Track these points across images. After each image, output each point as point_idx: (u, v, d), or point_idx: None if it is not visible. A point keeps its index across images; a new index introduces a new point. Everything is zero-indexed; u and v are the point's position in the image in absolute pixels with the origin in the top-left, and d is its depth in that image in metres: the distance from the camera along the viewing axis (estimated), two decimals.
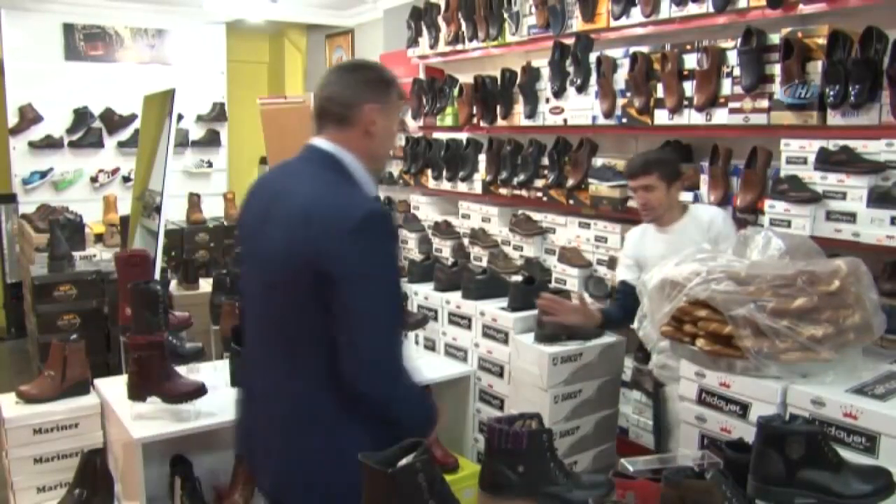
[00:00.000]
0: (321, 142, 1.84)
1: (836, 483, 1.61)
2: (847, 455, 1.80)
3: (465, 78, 4.93)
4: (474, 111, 4.79)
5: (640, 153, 3.06)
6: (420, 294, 3.96)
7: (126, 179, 7.03)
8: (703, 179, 3.42)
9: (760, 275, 2.23)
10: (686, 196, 3.48)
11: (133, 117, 7.00)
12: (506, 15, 4.56)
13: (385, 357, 1.73)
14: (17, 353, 6.41)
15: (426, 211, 5.45)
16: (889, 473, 1.69)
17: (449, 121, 5.10)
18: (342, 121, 1.82)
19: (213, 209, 6.95)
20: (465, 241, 4.85)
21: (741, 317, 2.18)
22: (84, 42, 7.05)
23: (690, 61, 3.44)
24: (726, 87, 3.30)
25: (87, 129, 7.03)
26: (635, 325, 2.74)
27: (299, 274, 1.69)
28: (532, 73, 4.33)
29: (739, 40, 3.18)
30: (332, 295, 1.66)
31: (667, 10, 3.55)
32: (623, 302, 3.06)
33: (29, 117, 6.83)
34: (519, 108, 4.44)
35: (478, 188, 4.82)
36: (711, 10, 3.34)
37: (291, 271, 1.71)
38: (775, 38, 3.10)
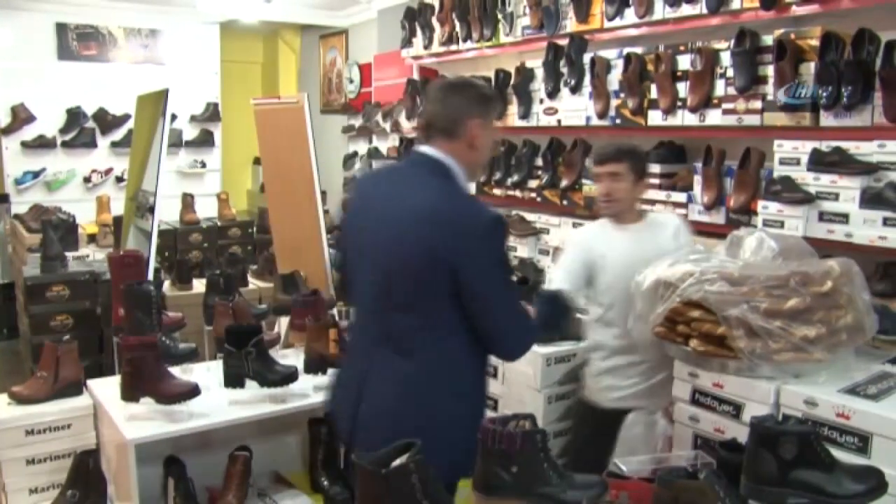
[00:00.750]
0: (429, 150, 2.07)
1: (828, 483, 1.62)
2: (840, 455, 1.81)
3: None
4: None
5: (614, 142, 2.96)
6: None
7: (119, 180, 7.01)
8: (697, 180, 3.43)
9: (753, 275, 2.24)
10: (679, 197, 3.49)
11: (126, 117, 6.97)
12: (500, 16, 4.56)
13: (517, 327, 2.11)
14: (10, 353, 6.38)
15: None
16: (881, 473, 1.70)
17: None
18: (450, 134, 2.06)
19: (206, 209, 6.93)
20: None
21: (734, 317, 2.19)
22: (77, 42, 7.03)
23: (684, 62, 3.45)
24: (720, 88, 3.31)
25: (81, 129, 7.00)
26: (629, 326, 2.74)
27: (431, 268, 1.96)
28: (526, 74, 4.33)
29: (733, 41, 3.19)
30: (465, 285, 1.97)
31: (660, 11, 3.56)
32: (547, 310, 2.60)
33: (21, 117, 6.80)
34: (513, 108, 4.44)
35: (472, 188, 4.81)
36: (705, 11, 3.35)
37: (421, 264, 1.97)
38: (768, 40, 3.11)
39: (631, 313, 2.65)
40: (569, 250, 3.01)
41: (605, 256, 2.82)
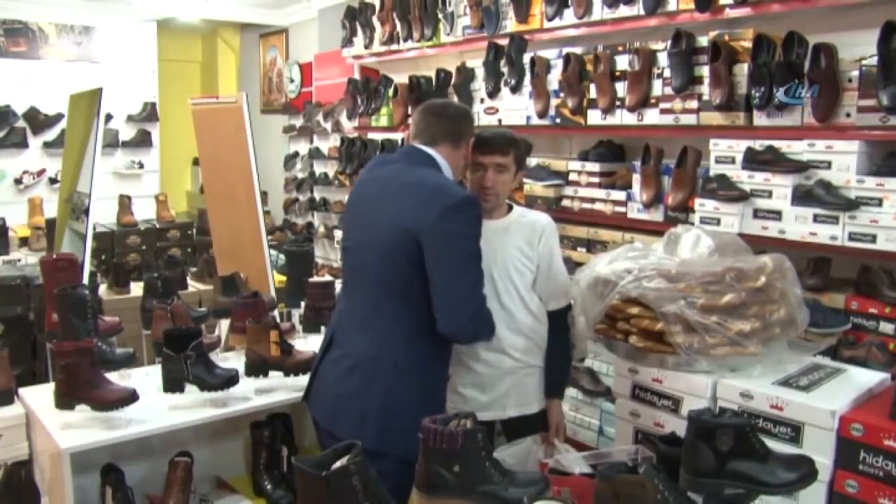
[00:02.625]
0: (426, 147, 2.35)
1: (763, 473, 1.66)
2: (774, 445, 1.85)
3: (400, 78, 4.92)
4: (409, 111, 4.78)
5: (497, 128, 2.87)
6: None
7: (53, 181, 6.81)
8: (636, 179, 3.48)
9: (690, 272, 2.28)
10: (618, 195, 3.54)
11: (59, 117, 6.77)
12: (440, 15, 4.57)
13: (475, 306, 2.23)
14: None
15: None
16: (812, 461, 1.74)
17: (384, 121, 5.09)
18: (455, 142, 2.38)
19: (144, 211, 6.79)
20: None
21: (672, 313, 2.23)
22: (4, 37, 6.81)
23: (622, 62, 3.50)
24: (657, 88, 3.37)
25: (10, 129, 6.78)
26: (569, 323, 2.76)
27: (400, 241, 2.16)
28: (467, 74, 4.34)
29: (669, 42, 3.25)
30: (429, 257, 2.14)
31: (599, 11, 3.61)
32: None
33: None
34: None
35: None
36: (642, 12, 3.40)
37: (397, 239, 2.17)
38: (704, 41, 3.18)
39: (570, 311, 2.67)
40: None
41: None
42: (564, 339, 2.68)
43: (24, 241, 5.89)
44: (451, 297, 2.17)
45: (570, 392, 3.70)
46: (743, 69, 3.03)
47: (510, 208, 2.69)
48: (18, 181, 6.86)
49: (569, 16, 3.76)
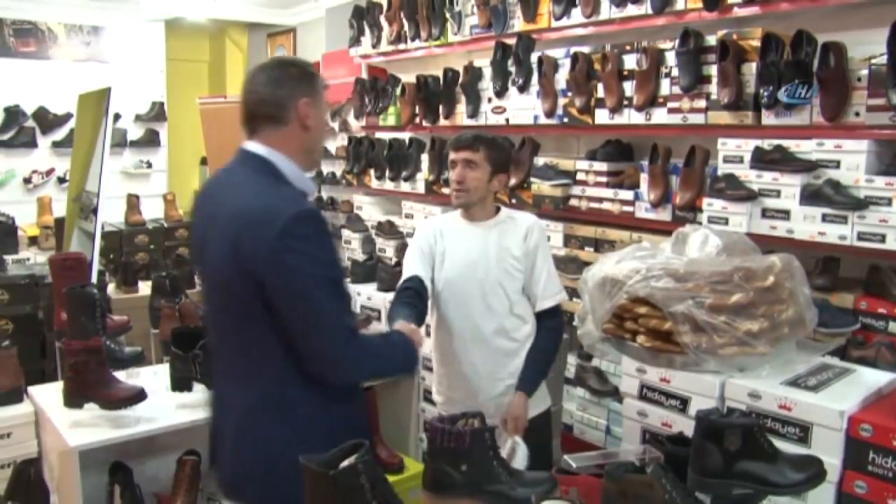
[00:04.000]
0: (254, 145, 1.88)
1: (771, 473, 1.65)
2: (782, 445, 1.85)
3: (408, 77, 4.92)
4: (417, 111, 4.79)
5: (475, 130, 2.80)
6: (363, 294, 3.94)
7: (61, 180, 6.84)
8: (643, 178, 3.47)
9: (698, 272, 2.28)
10: (626, 195, 3.53)
11: (68, 116, 6.80)
12: (448, 15, 4.57)
13: (341, 349, 1.80)
14: None
15: (369, 211, 5.43)
16: (820, 462, 1.74)
17: (391, 120, 5.09)
18: (278, 121, 1.86)
19: (152, 210, 6.82)
20: (409, 240, 4.83)
21: (680, 313, 2.23)
22: (14, 38, 6.84)
23: (630, 62, 3.49)
24: (665, 87, 3.36)
25: (20, 129, 6.81)
26: (576, 323, 2.76)
27: (239, 279, 1.76)
28: (474, 73, 4.34)
29: (677, 41, 3.24)
30: (272, 295, 1.75)
31: (607, 11, 3.60)
32: (413, 300, 2.57)
33: None
34: (461, 107, 4.45)
35: (421, 188, 4.82)
36: (650, 11, 3.39)
37: (231, 276, 1.78)
38: (712, 40, 3.17)
39: (577, 310, 2.68)
40: (415, 239, 2.80)
41: (447, 251, 2.69)
42: (549, 338, 2.69)
43: (33, 241, 5.92)
44: (318, 338, 1.77)
45: (578, 391, 3.70)
46: (751, 68, 3.02)
47: (498, 210, 2.75)
48: (27, 181, 6.89)
49: (576, 15, 3.76)
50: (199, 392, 2.65)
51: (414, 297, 2.57)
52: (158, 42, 7.54)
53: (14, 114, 6.80)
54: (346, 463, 1.41)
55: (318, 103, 1.91)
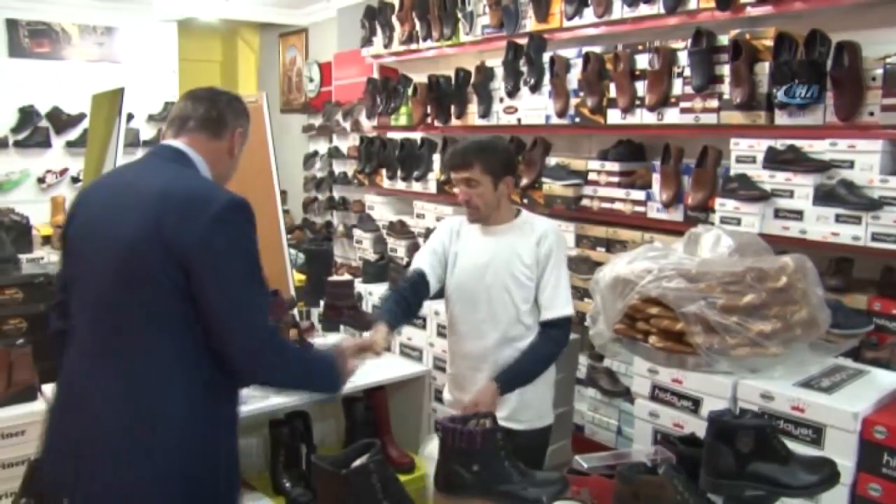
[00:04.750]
0: (176, 142, 1.89)
1: (784, 475, 1.64)
2: (795, 447, 1.84)
3: (420, 77, 4.92)
4: (428, 111, 4.79)
5: (467, 140, 2.59)
6: (374, 294, 3.95)
7: (75, 180, 6.87)
8: (655, 178, 3.46)
9: (710, 272, 2.27)
10: (638, 195, 3.52)
11: (82, 116, 6.83)
12: (460, 15, 4.57)
13: (262, 336, 1.75)
14: None
15: (381, 211, 5.44)
16: (833, 464, 1.73)
17: (403, 120, 5.10)
18: (214, 133, 1.91)
19: None
20: (420, 240, 4.84)
21: (692, 313, 2.22)
22: (29, 38, 6.87)
23: (642, 61, 3.48)
24: (677, 87, 3.35)
25: (34, 129, 6.84)
26: (587, 323, 2.75)
27: (157, 259, 1.67)
28: (486, 73, 4.34)
29: (690, 41, 3.23)
30: (196, 280, 1.68)
31: (619, 10, 3.59)
32: (405, 295, 2.56)
33: None
34: (473, 107, 4.45)
35: (432, 188, 4.82)
36: (662, 11, 3.39)
37: (146, 257, 1.68)
38: (724, 40, 3.16)
39: (589, 310, 2.67)
40: (432, 236, 2.78)
41: (458, 254, 2.66)
42: (544, 345, 2.54)
43: (46, 240, 5.95)
44: (240, 328, 1.72)
45: (589, 392, 3.70)
46: (764, 68, 3.01)
47: (518, 214, 2.65)
48: (41, 180, 6.92)
49: (588, 15, 3.75)
50: None
51: (408, 291, 2.57)
52: (171, 42, 7.56)
53: (28, 114, 6.83)
54: (357, 462, 1.41)
55: (244, 139, 2.01)
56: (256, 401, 2.68)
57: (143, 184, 1.77)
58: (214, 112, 1.91)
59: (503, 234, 2.59)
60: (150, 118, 7.43)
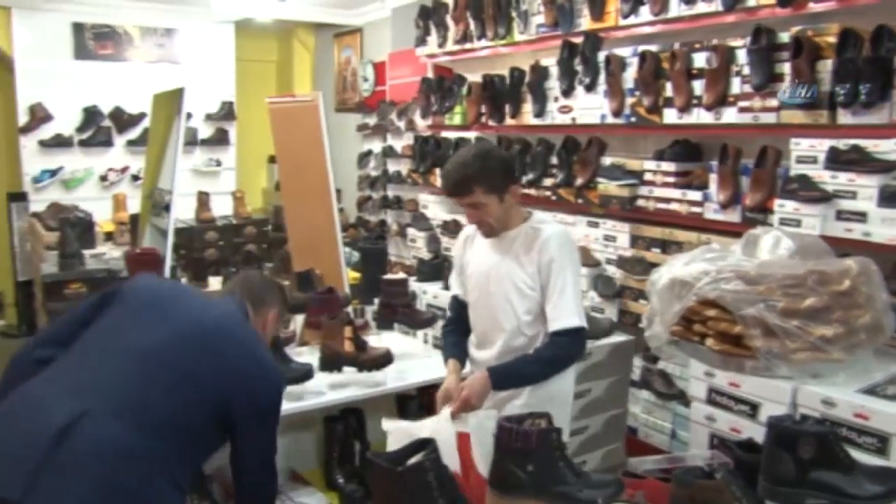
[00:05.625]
0: (242, 305, 2.16)
1: (847, 484, 1.61)
2: (858, 456, 1.79)
3: (474, 77, 4.93)
4: (483, 110, 4.79)
5: (459, 162, 2.43)
6: (429, 293, 3.95)
7: (135, 178, 7.04)
8: (712, 179, 3.41)
9: (770, 274, 2.23)
10: (694, 195, 3.47)
11: (142, 116, 7.00)
12: (514, 14, 4.56)
13: (272, 484, 2.13)
14: None
15: (434, 210, 5.46)
16: None
17: (457, 120, 5.11)
18: (256, 308, 2.21)
19: (222, 208, 6.95)
20: None
21: (751, 316, 2.18)
22: (94, 41, 7.06)
23: (699, 60, 3.43)
24: (735, 85, 3.29)
25: (97, 128, 7.03)
26: (642, 325, 2.72)
27: (215, 394, 1.91)
28: (540, 72, 4.33)
29: (749, 39, 3.17)
30: (243, 427, 1.96)
31: (676, 8, 3.55)
32: (458, 325, 2.65)
33: (39, 116, 6.84)
34: (527, 106, 4.44)
35: None
36: (721, 8, 3.33)
37: (207, 381, 1.90)
38: (785, 37, 3.09)
39: (645, 312, 2.64)
40: (454, 255, 2.77)
41: (468, 264, 2.63)
42: (549, 349, 2.40)
43: (108, 236, 6.10)
44: (267, 472, 2.09)
45: (643, 394, 3.66)
46: (826, 65, 2.94)
47: (528, 218, 2.54)
48: (104, 178, 7.11)
49: (644, 13, 3.71)
50: None
51: (456, 321, 2.67)
52: (228, 43, 7.69)
53: (92, 114, 7.03)
54: (413, 460, 1.42)
55: (276, 322, 2.34)
56: (311, 397, 2.72)
57: (229, 327, 2.03)
58: (257, 292, 2.25)
59: (509, 242, 2.49)
60: (208, 117, 7.57)
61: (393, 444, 2.23)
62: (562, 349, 2.39)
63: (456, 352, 2.60)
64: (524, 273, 2.42)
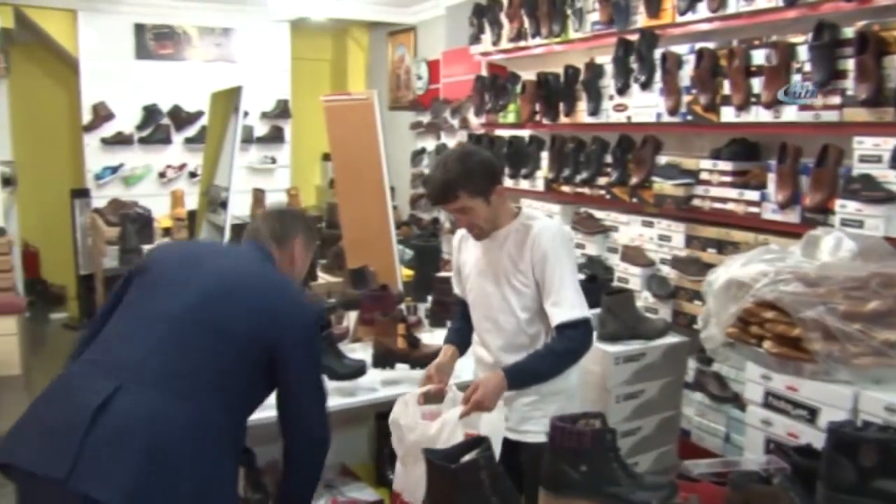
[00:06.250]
0: (265, 247, 2.18)
1: None
2: None
3: (528, 75, 4.91)
4: (537, 108, 4.77)
5: (441, 168, 2.40)
6: None
7: (192, 175, 7.19)
8: (771, 178, 3.35)
9: (831, 276, 2.18)
10: (752, 195, 3.41)
11: (200, 114, 7.14)
12: (569, 11, 4.53)
13: (326, 426, 2.10)
14: None
15: None
16: None
17: (511, 118, 5.10)
18: (279, 242, 2.20)
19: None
20: None
21: (810, 319, 2.13)
22: (154, 41, 7.23)
23: (759, 57, 3.37)
24: (796, 83, 3.22)
25: (156, 126, 7.20)
26: (697, 326, 2.69)
27: (250, 343, 1.93)
28: (595, 70, 4.29)
29: (811, 35, 3.10)
30: (285, 373, 1.98)
31: (734, 4, 3.48)
32: (463, 324, 2.66)
33: (101, 115, 7.04)
34: (582, 105, 4.41)
35: (540, 186, 4.81)
36: (781, 4, 3.26)
37: (241, 335, 1.93)
38: (849, 32, 3.01)
39: (700, 313, 2.60)
40: (453, 257, 2.75)
41: (464, 266, 2.61)
42: (558, 343, 2.36)
43: (166, 231, 6.24)
44: (315, 411, 2.07)
45: (696, 396, 3.61)
46: (893, 61, 2.86)
47: (516, 215, 2.49)
48: (162, 175, 7.28)
49: (702, 9, 3.65)
50: None
51: (461, 320, 2.68)
52: (284, 42, 7.80)
53: (152, 112, 7.20)
54: (467, 457, 1.43)
55: (307, 250, 2.29)
56: (364, 393, 2.74)
57: (253, 276, 2.07)
58: (280, 226, 2.22)
59: (500, 241, 2.45)
60: (264, 115, 7.68)
61: (394, 441, 2.30)
62: (572, 341, 2.35)
63: (454, 337, 2.64)
64: (518, 271, 2.39)
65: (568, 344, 2.34)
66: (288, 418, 2.05)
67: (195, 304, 1.93)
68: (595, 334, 3.16)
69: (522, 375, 2.33)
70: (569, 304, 2.32)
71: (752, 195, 3.43)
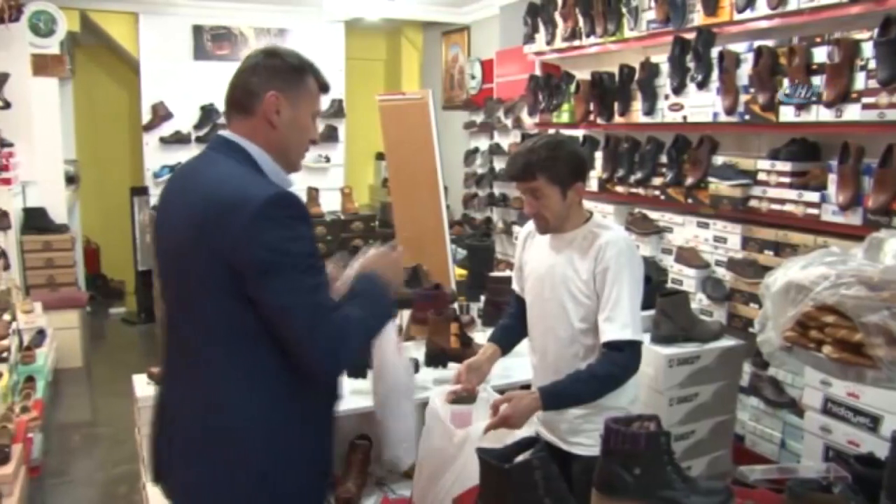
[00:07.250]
0: (227, 132, 1.77)
1: None
2: None
3: (582, 74, 4.88)
4: (591, 108, 4.74)
5: (527, 147, 2.32)
6: None
7: None
8: (832, 179, 3.27)
9: (895, 280, 2.12)
10: (811, 196, 3.34)
11: None
12: (624, 10, 4.49)
13: (326, 341, 1.62)
14: (147, 336, 6.77)
15: None
16: None
17: (565, 117, 5.07)
18: (244, 110, 1.74)
19: (330, 203, 7.15)
20: None
21: (873, 324, 2.08)
22: (211, 42, 7.38)
23: (820, 55, 3.29)
24: (860, 81, 3.14)
25: (213, 125, 7.35)
26: (754, 329, 2.64)
27: (209, 266, 1.61)
28: (651, 69, 4.25)
29: (876, 30, 3.02)
30: (252, 288, 1.59)
31: (795, 1, 3.41)
32: (513, 321, 2.62)
33: (160, 114, 7.21)
34: (637, 104, 4.37)
35: (594, 186, 4.77)
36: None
37: (200, 263, 1.63)
38: None
39: (757, 316, 2.55)
40: (516, 252, 2.68)
41: (526, 265, 2.54)
42: (601, 366, 2.24)
43: None
44: (306, 334, 1.60)
45: (751, 401, 3.55)
46: None
47: (588, 220, 2.41)
48: None
49: (761, 6, 3.58)
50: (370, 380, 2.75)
51: (514, 317, 2.61)
52: (338, 42, 7.88)
53: (209, 112, 7.35)
54: (521, 457, 1.43)
55: (295, 100, 1.78)
56: (416, 391, 2.75)
57: (197, 185, 1.70)
58: (241, 85, 1.76)
59: (566, 245, 2.37)
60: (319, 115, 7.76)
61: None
62: (615, 365, 2.23)
63: (500, 335, 2.58)
64: (579, 280, 2.30)
65: (611, 369, 2.23)
66: (290, 352, 1.63)
67: (175, 244, 1.73)
68: (649, 336, 3.16)
69: (559, 398, 2.23)
70: (621, 323, 2.22)
71: (812, 196, 3.36)
